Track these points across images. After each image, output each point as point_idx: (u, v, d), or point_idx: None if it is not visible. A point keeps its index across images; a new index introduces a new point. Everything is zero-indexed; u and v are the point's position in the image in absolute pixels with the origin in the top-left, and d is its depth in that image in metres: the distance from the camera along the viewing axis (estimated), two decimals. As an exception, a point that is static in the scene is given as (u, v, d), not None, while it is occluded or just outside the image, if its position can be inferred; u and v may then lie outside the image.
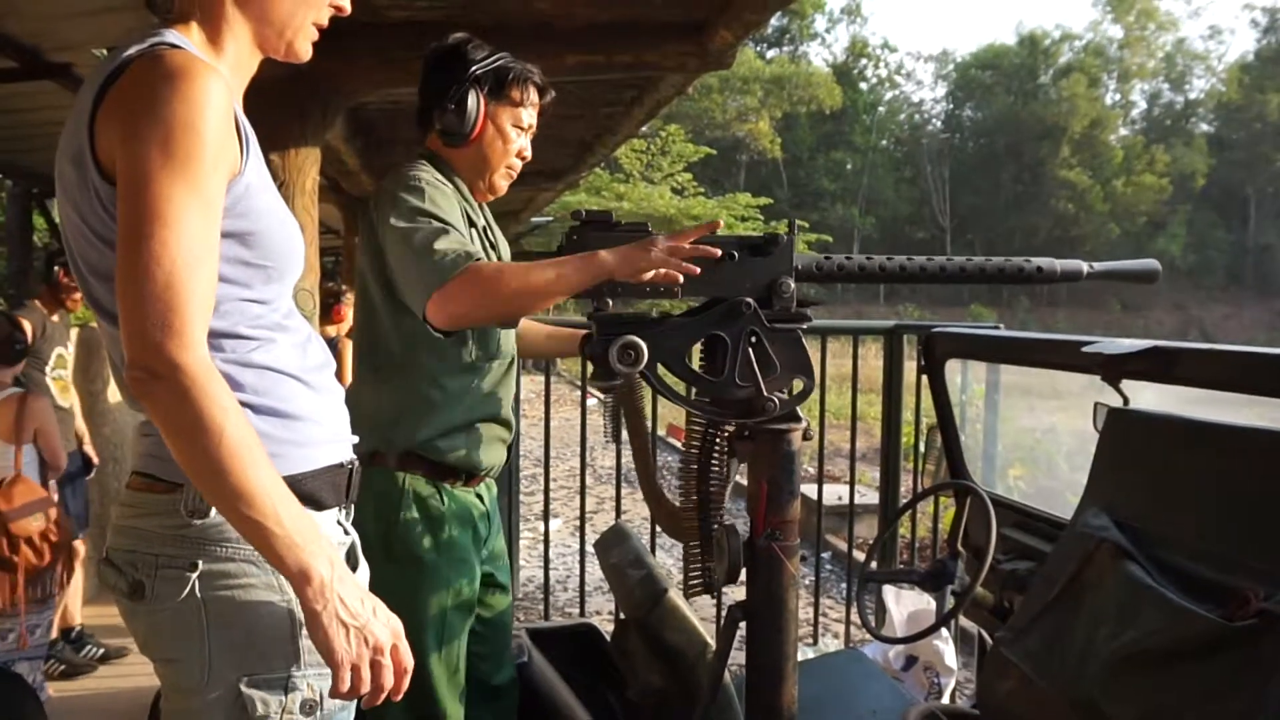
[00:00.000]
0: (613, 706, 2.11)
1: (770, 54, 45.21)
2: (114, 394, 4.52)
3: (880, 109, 48.53)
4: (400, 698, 0.98)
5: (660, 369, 1.35)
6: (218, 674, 0.99)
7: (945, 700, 2.94)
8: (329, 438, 1.08)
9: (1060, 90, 44.06)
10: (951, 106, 49.84)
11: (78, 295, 3.58)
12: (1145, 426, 1.60)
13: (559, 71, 3.24)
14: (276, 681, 1.00)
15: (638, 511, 5.61)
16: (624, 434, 1.82)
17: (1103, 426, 1.68)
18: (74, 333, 4.08)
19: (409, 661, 0.99)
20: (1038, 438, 5.48)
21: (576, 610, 3.62)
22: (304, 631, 0.97)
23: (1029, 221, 42.84)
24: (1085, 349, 1.76)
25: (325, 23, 1.10)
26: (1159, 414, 1.59)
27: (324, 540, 0.95)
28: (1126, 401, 1.70)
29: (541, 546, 3.47)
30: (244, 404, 0.96)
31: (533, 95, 1.76)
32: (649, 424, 1.99)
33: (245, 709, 0.99)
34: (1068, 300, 39.60)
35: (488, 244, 1.71)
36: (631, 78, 3.85)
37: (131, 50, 0.97)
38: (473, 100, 1.65)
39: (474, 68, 1.66)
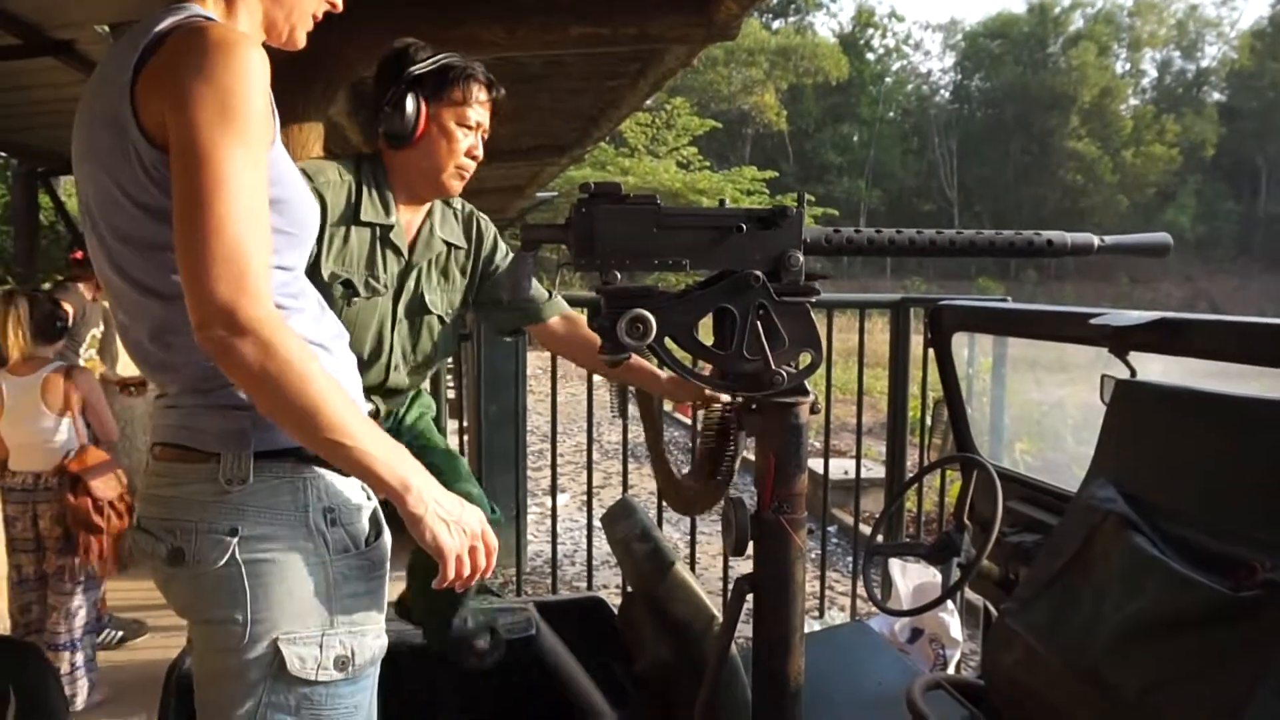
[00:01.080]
0: (620, 678, 2.13)
1: (776, 25, 44.81)
2: (125, 368, 4.55)
3: (887, 80, 48.08)
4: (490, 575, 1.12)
5: (669, 342, 1.35)
6: (257, 633, 1.03)
7: (950, 672, 2.96)
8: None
9: (1070, 59, 43.57)
10: (960, 77, 49.35)
11: None
12: (1152, 398, 1.59)
13: (563, 44, 3.21)
14: (312, 639, 1.05)
15: (644, 486, 5.63)
16: (630, 409, 1.83)
17: (1110, 398, 1.68)
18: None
19: (495, 542, 1.11)
20: (1045, 411, 5.47)
21: (584, 584, 3.65)
22: (337, 592, 1.06)
23: (1037, 193, 42.53)
24: (1093, 321, 1.76)
25: (320, 16, 1.16)
26: (1166, 385, 1.59)
27: (405, 451, 1.03)
28: (1134, 374, 1.70)
29: (549, 521, 3.49)
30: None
31: (478, 93, 1.76)
32: (656, 400, 2.00)
33: (284, 665, 1.04)
34: (1075, 273, 39.42)
35: (378, 250, 1.78)
36: (636, 50, 3.82)
37: (167, 22, 1.00)
38: (411, 102, 1.68)
39: (413, 68, 1.68)
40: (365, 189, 1.77)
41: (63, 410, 3.03)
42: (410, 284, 1.85)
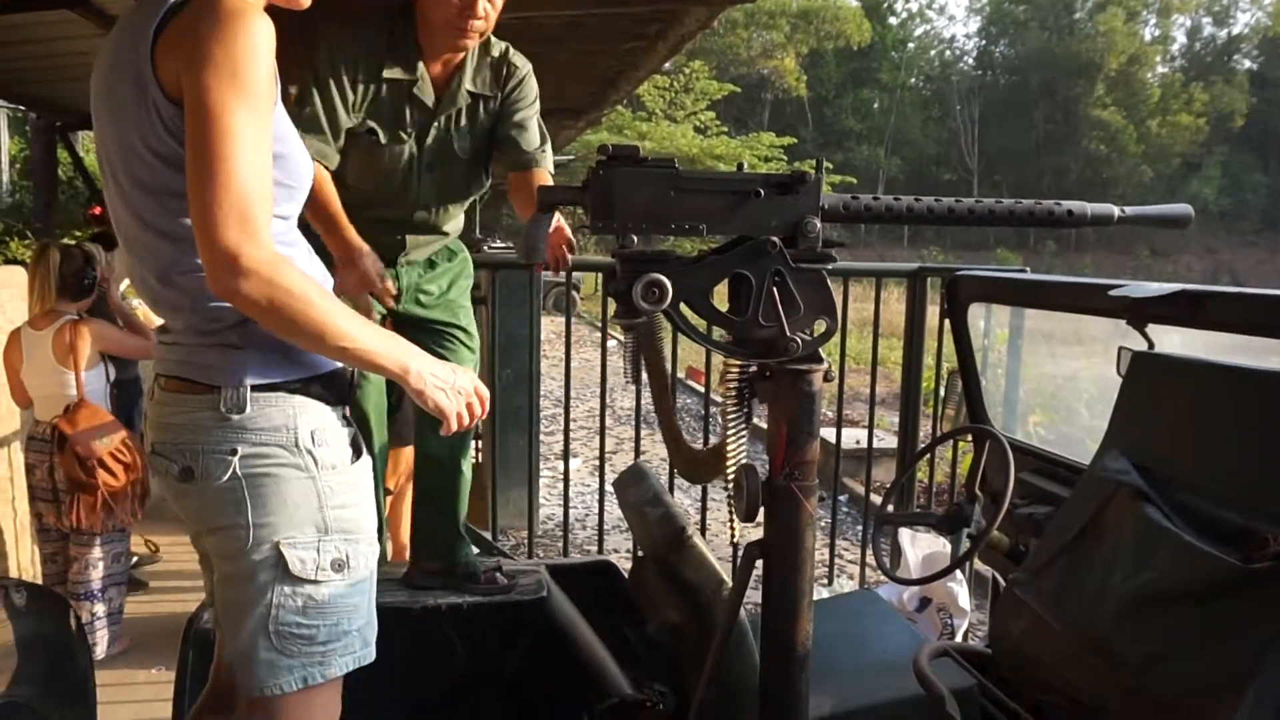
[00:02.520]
0: (630, 641, 2.16)
1: (798, -13, 43.94)
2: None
3: (910, 45, 47.26)
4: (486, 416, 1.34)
5: (684, 308, 1.35)
6: (260, 537, 1.19)
7: (958, 641, 2.98)
8: None
9: (1097, 25, 42.64)
10: (984, 42, 48.43)
11: None
12: (1169, 370, 1.58)
13: (583, 4, 3.17)
14: (309, 543, 1.21)
15: (656, 452, 5.65)
16: (644, 375, 1.83)
17: (1126, 370, 1.66)
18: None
19: (486, 392, 1.29)
20: (1060, 384, 5.44)
21: (595, 548, 3.68)
22: (327, 504, 1.22)
23: (1059, 163, 41.89)
24: (1111, 293, 1.74)
25: None
26: (1182, 357, 1.58)
27: (401, 340, 1.21)
28: (1152, 346, 1.69)
29: (561, 485, 3.52)
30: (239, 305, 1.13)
31: None
32: (669, 366, 2.00)
33: (287, 567, 1.20)
34: (1095, 244, 38.93)
35: (405, 102, 1.94)
36: (655, 11, 3.77)
37: None
38: None
39: None
40: (394, 44, 1.91)
41: (69, 364, 3.05)
42: (435, 131, 2.00)
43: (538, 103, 2.10)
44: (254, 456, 1.19)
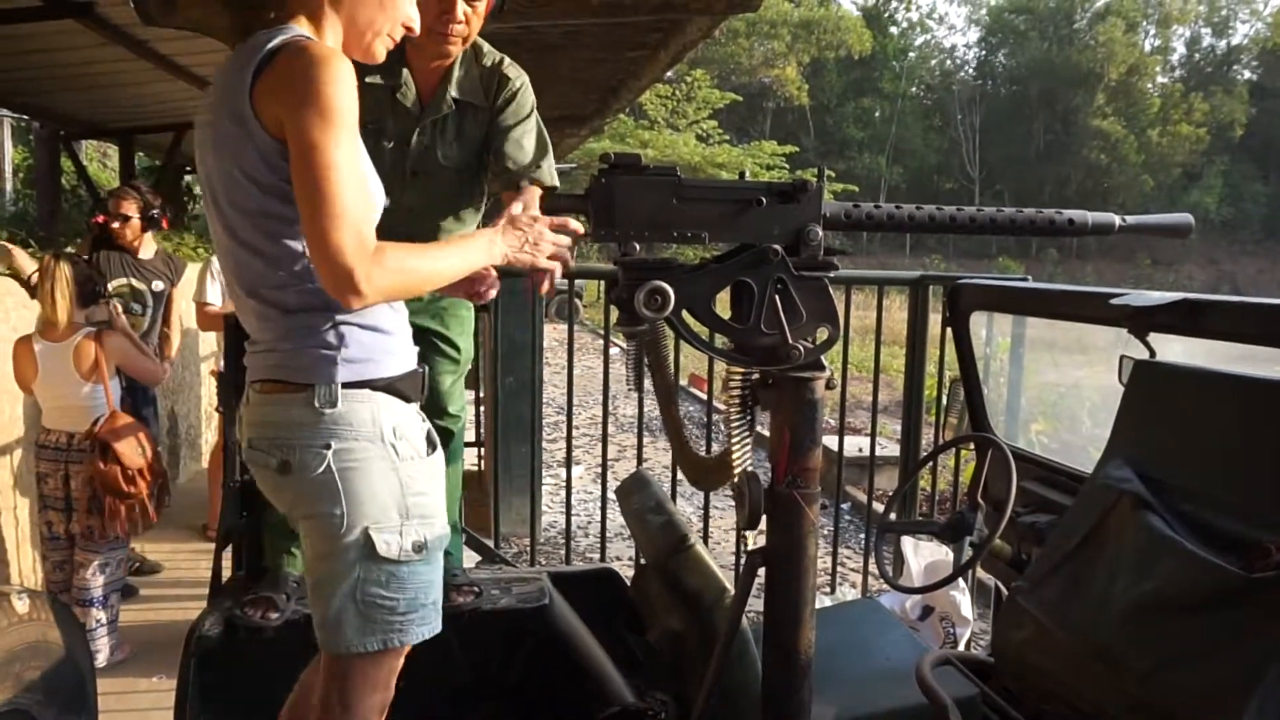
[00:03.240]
0: (632, 649, 2.15)
1: (799, -4, 44.07)
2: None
3: (911, 55, 47.37)
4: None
5: (686, 315, 1.35)
6: (351, 525, 1.33)
7: (961, 650, 2.97)
8: (406, 349, 1.43)
9: (1097, 35, 42.73)
10: (984, 52, 48.53)
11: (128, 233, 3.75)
12: (1170, 379, 1.58)
13: (585, 13, 3.18)
14: (394, 527, 1.35)
15: (659, 460, 5.65)
16: (645, 383, 1.83)
17: (1128, 379, 1.66)
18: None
19: (553, 236, 1.43)
20: (1062, 393, 5.43)
21: (597, 555, 3.68)
22: (408, 491, 1.36)
23: (1060, 172, 41.92)
24: (1113, 301, 1.74)
25: (398, 37, 1.43)
26: (1184, 366, 1.58)
27: (473, 240, 1.41)
28: (1153, 355, 1.69)
29: (563, 493, 3.52)
30: (350, 324, 1.34)
31: None
32: (672, 372, 2.00)
33: (374, 549, 1.34)
34: (1097, 253, 38.94)
35: (386, 106, 1.92)
36: (657, 20, 3.78)
37: (275, 41, 1.29)
38: None
39: None
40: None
41: (92, 374, 3.06)
42: (418, 138, 1.97)
43: (534, 116, 2.05)
44: (345, 451, 1.33)
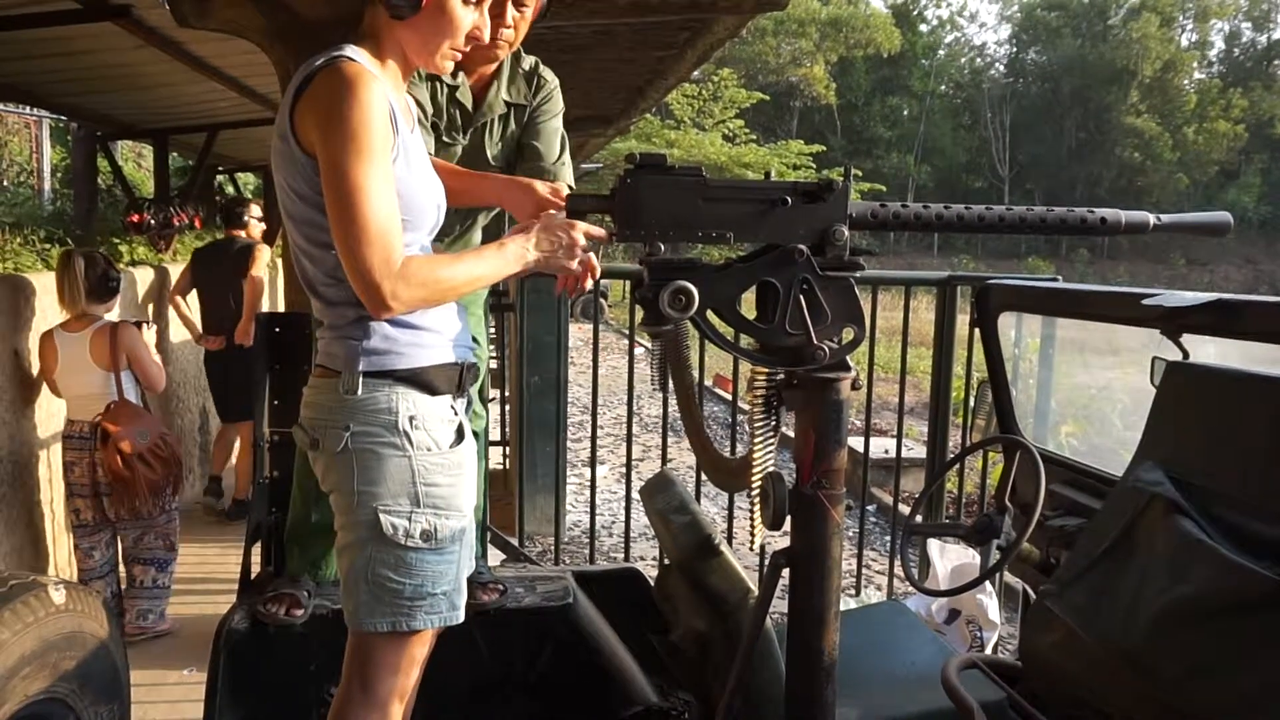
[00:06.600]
0: (655, 649, 2.16)
1: (827, -6, 43.78)
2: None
3: (940, 52, 46.92)
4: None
5: (711, 315, 1.35)
6: (362, 503, 1.41)
7: (988, 654, 2.94)
8: (444, 343, 1.47)
9: (1131, 31, 42.04)
10: (1015, 49, 47.91)
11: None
12: (1203, 380, 1.56)
13: (612, 13, 3.19)
14: (402, 513, 1.41)
15: (683, 460, 5.65)
16: (670, 383, 1.83)
17: (1160, 381, 1.64)
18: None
19: (579, 237, 1.44)
20: (1092, 395, 5.36)
21: (621, 555, 3.68)
22: (421, 481, 1.42)
23: (1092, 171, 41.32)
24: (1145, 302, 1.72)
25: (467, 48, 1.47)
26: (1217, 367, 1.55)
27: (505, 248, 1.43)
28: (1186, 356, 1.66)
29: (588, 492, 3.53)
30: (385, 318, 1.38)
31: None
32: (695, 373, 2.00)
33: (381, 529, 1.41)
34: (1129, 253, 38.35)
35: (446, 107, 1.97)
36: (685, 19, 3.77)
37: (321, 60, 1.35)
38: None
39: None
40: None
41: (108, 365, 3.19)
42: (472, 136, 2.05)
43: (561, 117, 2.14)
44: (362, 434, 1.40)
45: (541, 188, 1.73)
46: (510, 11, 1.87)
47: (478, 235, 2.22)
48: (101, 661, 1.72)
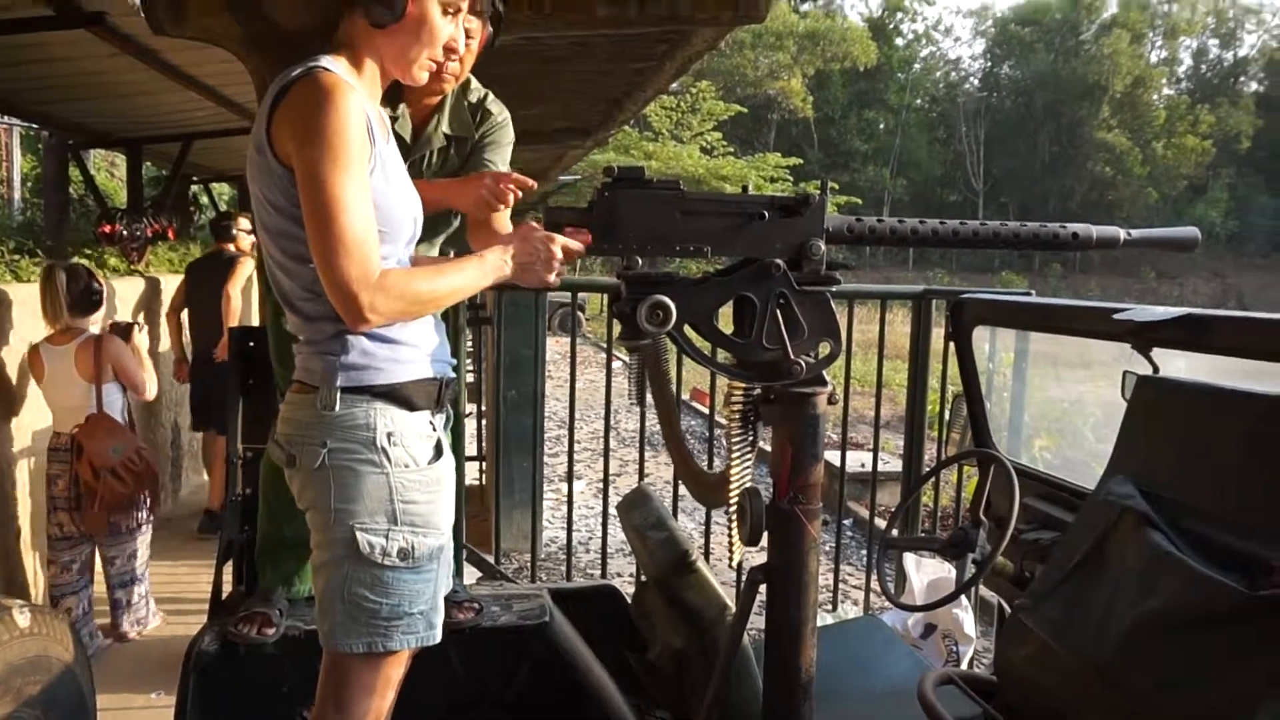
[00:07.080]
0: (632, 666, 2.14)
1: (805, 7, 44.21)
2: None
3: (915, 66, 47.43)
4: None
5: (688, 329, 1.35)
6: (339, 520, 1.39)
7: (963, 668, 2.95)
8: (423, 358, 1.45)
9: (1102, 47, 42.75)
10: (989, 64, 48.56)
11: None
12: (1174, 394, 1.57)
13: (590, 24, 3.19)
14: (379, 531, 1.39)
15: (660, 475, 5.64)
16: (648, 397, 1.83)
17: (1131, 394, 1.66)
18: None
19: (557, 250, 1.40)
20: (1065, 408, 5.41)
21: (598, 571, 3.66)
22: (398, 498, 1.39)
23: (1065, 185, 41.89)
24: (1116, 316, 1.74)
25: (442, 60, 1.48)
26: (1188, 381, 1.57)
27: (484, 259, 1.41)
28: (1156, 370, 1.68)
29: (565, 508, 3.51)
30: (353, 333, 1.37)
31: None
32: (674, 387, 2.00)
33: (358, 548, 1.38)
34: (1101, 268, 38.86)
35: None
36: (663, 31, 3.79)
37: (297, 71, 1.34)
38: None
39: None
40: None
41: (91, 377, 3.18)
42: (410, 171, 1.96)
43: (510, 149, 2.09)
44: (339, 450, 1.38)
45: (488, 178, 1.71)
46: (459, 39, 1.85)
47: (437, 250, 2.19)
48: (67, 686, 1.68)
